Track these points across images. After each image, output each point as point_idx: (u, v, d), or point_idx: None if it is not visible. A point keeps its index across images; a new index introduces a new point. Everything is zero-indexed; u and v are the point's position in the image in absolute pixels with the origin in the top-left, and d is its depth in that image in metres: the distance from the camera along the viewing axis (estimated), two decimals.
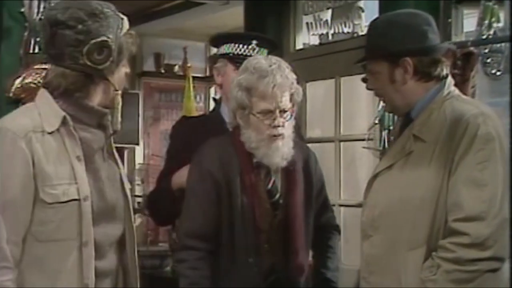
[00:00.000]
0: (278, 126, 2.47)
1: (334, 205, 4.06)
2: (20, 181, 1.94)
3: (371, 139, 3.91)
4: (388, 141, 3.54)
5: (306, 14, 4.68)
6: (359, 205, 2.36)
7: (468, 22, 3.58)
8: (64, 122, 2.01)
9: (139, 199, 6.65)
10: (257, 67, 2.48)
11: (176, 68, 6.99)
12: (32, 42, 3.36)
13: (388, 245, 2.16)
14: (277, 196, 2.56)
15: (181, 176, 2.69)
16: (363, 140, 3.98)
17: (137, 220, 6.64)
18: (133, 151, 6.88)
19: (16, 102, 3.20)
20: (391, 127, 3.47)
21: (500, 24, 3.32)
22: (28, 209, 1.96)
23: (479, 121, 2.09)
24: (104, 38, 2.00)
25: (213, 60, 3.17)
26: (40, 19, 3.25)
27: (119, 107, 2.10)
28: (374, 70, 2.26)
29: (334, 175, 4.31)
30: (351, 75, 4.01)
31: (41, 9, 3.36)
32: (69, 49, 1.99)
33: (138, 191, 6.75)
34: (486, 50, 3.35)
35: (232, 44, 2.86)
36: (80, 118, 2.04)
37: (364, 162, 4.25)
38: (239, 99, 2.50)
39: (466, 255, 2.01)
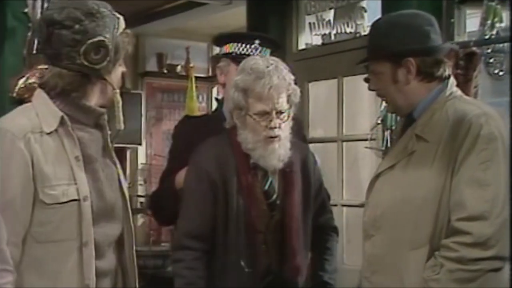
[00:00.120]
0: (275, 127, 2.47)
1: (336, 205, 4.09)
2: (19, 182, 1.94)
3: (374, 139, 3.91)
4: (390, 141, 3.54)
5: (308, 14, 4.68)
6: (361, 205, 2.36)
7: (471, 22, 3.59)
8: (62, 122, 2.01)
9: (142, 199, 6.66)
10: (254, 68, 2.48)
11: (179, 68, 6.99)
12: (36, 42, 3.37)
13: (390, 245, 2.16)
14: (274, 197, 2.56)
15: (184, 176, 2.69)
16: (365, 140, 3.99)
17: (140, 220, 6.65)
18: (135, 151, 6.88)
19: (20, 102, 3.20)
20: (394, 127, 3.47)
21: (503, 24, 3.33)
22: (28, 210, 1.95)
23: (481, 121, 2.09)
24: (101, 37, 1.99)
25: (216, 59, 3.18)
26: None
27: (120, 105, 2.09)
28: (376, 70, 2.26)
29: (336, 175, 4.31)
30: (353, 75, 4.01)
31: (45, 9, 3.36)
32: (66, 49, 1.98)
33: (140, 191, 6.76)
34: (489, 50, 3.36)
35: (235, 44, 2.86)
36: (77, 118, 2.04)
37: (367, 162, 4.26)
38: (236, 100, 2.50)
39: (469, 255, 2.01)
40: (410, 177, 2.15)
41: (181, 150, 2.83)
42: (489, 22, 3.33)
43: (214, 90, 7.05)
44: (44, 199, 1.96)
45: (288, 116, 2.51)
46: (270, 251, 2.54)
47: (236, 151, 2.53)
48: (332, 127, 4.42)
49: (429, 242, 2.09)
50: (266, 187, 2.55)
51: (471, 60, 3.28)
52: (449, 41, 3.30)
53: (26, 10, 3.42)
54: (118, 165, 2.19)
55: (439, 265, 2.05)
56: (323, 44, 4.57)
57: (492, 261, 2.02)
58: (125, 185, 2.19)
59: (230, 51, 2.86)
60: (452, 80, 2.26)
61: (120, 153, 2.23)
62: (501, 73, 3.34)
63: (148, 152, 6.98)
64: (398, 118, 2.62)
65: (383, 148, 3.68)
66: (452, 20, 3.53)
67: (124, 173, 4.46)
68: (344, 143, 4.37)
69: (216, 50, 3.22)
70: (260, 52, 2.84)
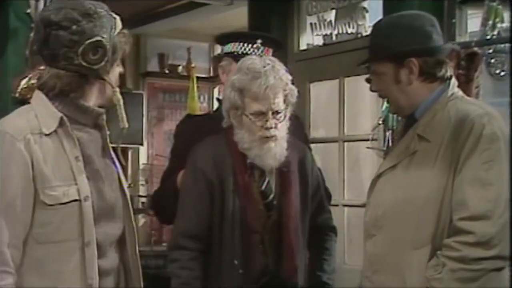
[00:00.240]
0: (271, 127, 2.47)
1: (337, 205, 4.10)
2: (20, 183, 1.93)
3: (375, 139, 3.91)
4: (391, 142, 3.54)
5: (310, 15, 4.69)
6: (363, 205, 2.36)
7: (472, 22, 3.59)
8: (61, 123, 2.00)
9: (143, 199, 6.66)
10: (251, 67, 2.48)
11: (180, 68, 7.00)
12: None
13: (392, 244, 2.16)
14: (271, 197, 2.55)
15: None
16: (367, 140, 3.99)
17: (141, 220, 6.65)
18: (137, 151, 6.89)
19: (22, 102, 3.20)
20: (395, 128, 3.47)
21: (504, 25, 3.33)
22: (28, 212, 1.95)
23: (484, 121, 2.09)
24: (98, 38, 1.99)
25: (218, 58, 3.19)
26: None
27: (121, 103, 2.09)
28: (378, 71, 2.26)
29: (338, 175, 4.31)
30: (355, 75, 4.02)
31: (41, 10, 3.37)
32: (64, 50, 1.98)
33: (142, 191, 6.77)
34: (490, 51, 3.36)
35: (237, 43, 2.87)
36: (76, 119, 2.04)
37: (368, 162, 4.26)
38: (232, 100, 2.50)
39: (471, 254, 2.02)
40: (412, 177, 2.16)
41: (183, 149, 2.82)
42: (490, 22, 3.33)
43: (216, 91, 7.05)
44: (45, 200, 1.95)
45: (285, 116, 2.51)
46: (267, 251, 2.54)
47: (233, 151, 2.53)
48: (334, 128, 4.43)
49: (431, 242, 2.10)
50: (263, 187, 2.55)
51: (472, 60, 3.28)
52: (451, 41, 3.30)
53: (28, 10, 3.41)
54: (118, 164, 2.18)
55: (441, 264, 2.06)
56: (324, 44, 4.57)
57: (494, 261, 2.02)
58: (125, 184, 2.19)
59: (232, 50, 2.87)
60: (454, 81, 2.26)
61: (122, 153, 2.22)
62: (502, 74, 3.35)
63: (150, 152, 6.98)
64: (399, 118, 2.63)
65: (384, 148, 3.68)
66: (453, 21, 3.54)
67: (126, 173, 4.48)
68: (346, 144, 4.38)
69: (218, 50, 3.22)
70: (262, 51, 2.84)
